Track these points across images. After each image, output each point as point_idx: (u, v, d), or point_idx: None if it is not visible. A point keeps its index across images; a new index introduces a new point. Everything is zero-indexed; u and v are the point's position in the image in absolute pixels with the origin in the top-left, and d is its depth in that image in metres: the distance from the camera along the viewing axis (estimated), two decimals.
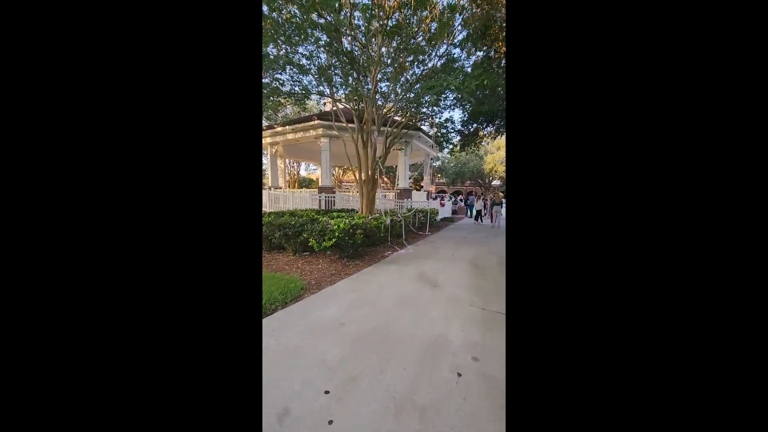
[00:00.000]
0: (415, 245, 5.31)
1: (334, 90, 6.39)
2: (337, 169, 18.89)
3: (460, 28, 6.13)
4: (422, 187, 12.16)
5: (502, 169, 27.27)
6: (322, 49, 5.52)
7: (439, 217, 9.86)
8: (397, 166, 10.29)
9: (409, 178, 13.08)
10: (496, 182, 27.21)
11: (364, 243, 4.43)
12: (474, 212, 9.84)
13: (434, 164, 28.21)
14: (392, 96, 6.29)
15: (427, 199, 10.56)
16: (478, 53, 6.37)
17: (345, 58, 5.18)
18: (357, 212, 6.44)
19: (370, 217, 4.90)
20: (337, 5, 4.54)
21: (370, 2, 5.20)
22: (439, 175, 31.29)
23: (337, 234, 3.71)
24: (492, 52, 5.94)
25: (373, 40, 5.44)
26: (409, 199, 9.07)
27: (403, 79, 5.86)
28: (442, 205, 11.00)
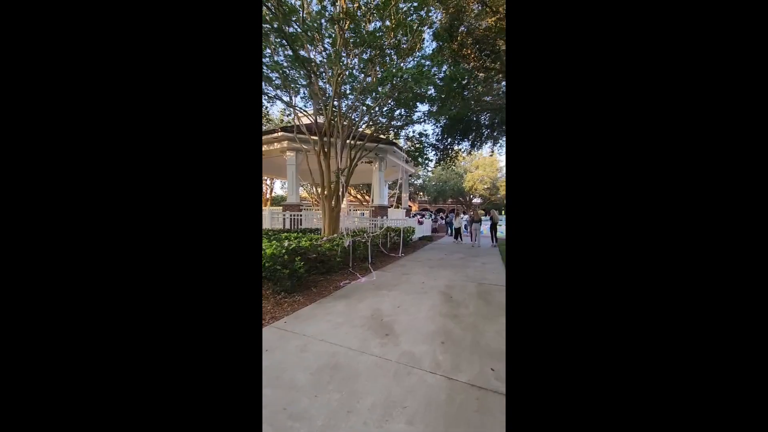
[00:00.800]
0: (382, 270, 4.52)
1: (296, 97, 5.82)
2: (316, 188, 18.13)
3: (429, 40, 5.90)
4: (401, 204, 11.60)
5: (481, 187, 27.69)
6: (281, 55, 4.99)
7: (416, 236, 9.19)
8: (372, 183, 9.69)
9: (390, 196, 12.54)
10: (476, 200, 27.46)
11: (313, 270, 3.58)
12: (453, 230, 9.29)
13: (415, 182, 28.25)
14: (359, 107, 5.80)
15: (406, 216, 9.94)
16: (447, 64, 6.13)
17: (296, 61, 4.62)
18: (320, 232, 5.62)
19: (324, 239, 4.09)
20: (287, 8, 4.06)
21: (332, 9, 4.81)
22: (422, 193, 31.32)
23: (263, 263, 2.85)
24: (465, 63, 5.66)
25: (330, 43, 4.98)
26: (385, 217, 8.39)
27: (375, 94, 5.40)
28: (420, 223, 10.39)
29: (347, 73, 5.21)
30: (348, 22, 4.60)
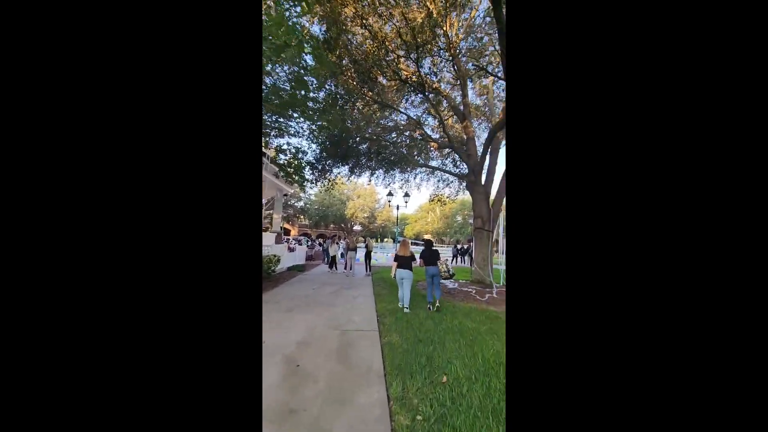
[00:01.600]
0: None
1: None
2: None
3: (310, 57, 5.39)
4: (269, 227, 9.75)
5: (361, 215, 29.33)
6: None
7: (285, 266, 7.70)
8: None
9: (264, 217, 10.36)
10: (357, 227, 28.61)
11: None
12: (329, 258, 8.52)
13: (296, 204, 26.21)
14: None
15: (277, 241, 8.24)
16: (329, 85, 5.80)
17: None
18: None
19: None
20: None
21: None
22: (302, 217, 29.38)
23: None
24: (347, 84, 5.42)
25: None
26: None
27: None
28: (291, 249, 8.98)
29: None
30: None
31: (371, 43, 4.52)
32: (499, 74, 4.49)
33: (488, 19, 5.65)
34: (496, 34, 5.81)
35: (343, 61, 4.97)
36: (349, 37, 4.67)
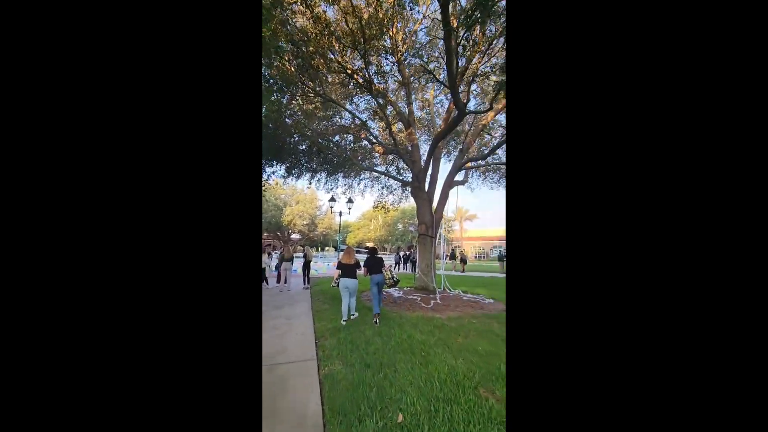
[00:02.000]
0: None
1: None
2: None
3: None
4: None
5: (300, 223, 27.29)
6: None
7: None
8: None
9: None
10: (295, 236, 26.42)
11: None
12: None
13: None
14: None
15: None
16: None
17: None
18: None
19: None
20: None
21: None
22: None
23: None
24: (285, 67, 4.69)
25: None
26: None
27: None
28: None
29: None
30: None
31: (313, 25, 4.04)
32: (444, 81, 4.62)
33: (428, 38, 5.90)
34: (435, 52, 6.16)
35: (279, 44, 4.33)
36: (288, 15, 4.08)
